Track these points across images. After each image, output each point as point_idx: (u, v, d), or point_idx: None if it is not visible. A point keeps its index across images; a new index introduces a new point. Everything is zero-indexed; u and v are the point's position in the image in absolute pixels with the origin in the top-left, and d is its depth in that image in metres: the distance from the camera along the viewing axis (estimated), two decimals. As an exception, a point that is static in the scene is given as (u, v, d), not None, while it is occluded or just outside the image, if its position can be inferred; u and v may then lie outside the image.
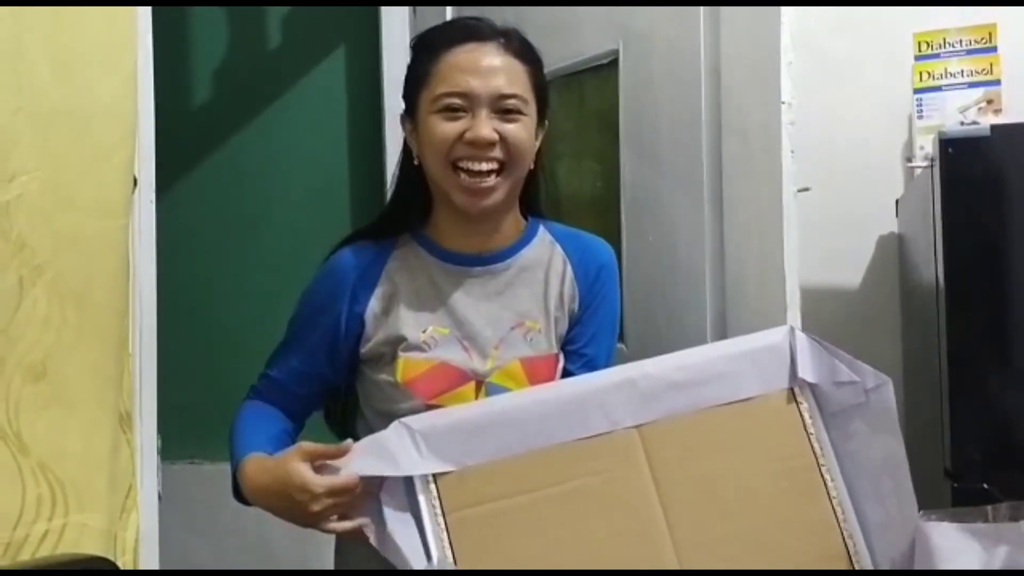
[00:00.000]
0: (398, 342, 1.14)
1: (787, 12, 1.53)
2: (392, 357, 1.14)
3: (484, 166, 1.09)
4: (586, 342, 1.21)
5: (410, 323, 1.14)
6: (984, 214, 1.48)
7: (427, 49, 1.14)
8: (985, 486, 1.47)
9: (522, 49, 1.14)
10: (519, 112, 1.11)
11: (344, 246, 1.21)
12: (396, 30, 2.30)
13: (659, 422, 1.04)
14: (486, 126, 1.08)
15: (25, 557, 1.04)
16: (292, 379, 1.21)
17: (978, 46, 1.71)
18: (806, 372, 1.05)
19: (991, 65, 1.71)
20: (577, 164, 1.99)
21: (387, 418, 1.08)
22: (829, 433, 1.04)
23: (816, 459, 1.03)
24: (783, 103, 1.48)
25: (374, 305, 1.16)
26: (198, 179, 2.43)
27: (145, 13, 1.25)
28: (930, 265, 1.59)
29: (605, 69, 1.83)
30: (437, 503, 1.00)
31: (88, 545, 1.11)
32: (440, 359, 1.14)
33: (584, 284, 1.21)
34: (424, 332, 1.14)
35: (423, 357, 1.14)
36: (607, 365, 1.17)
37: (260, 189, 2.42)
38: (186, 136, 2.39)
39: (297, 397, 1.22)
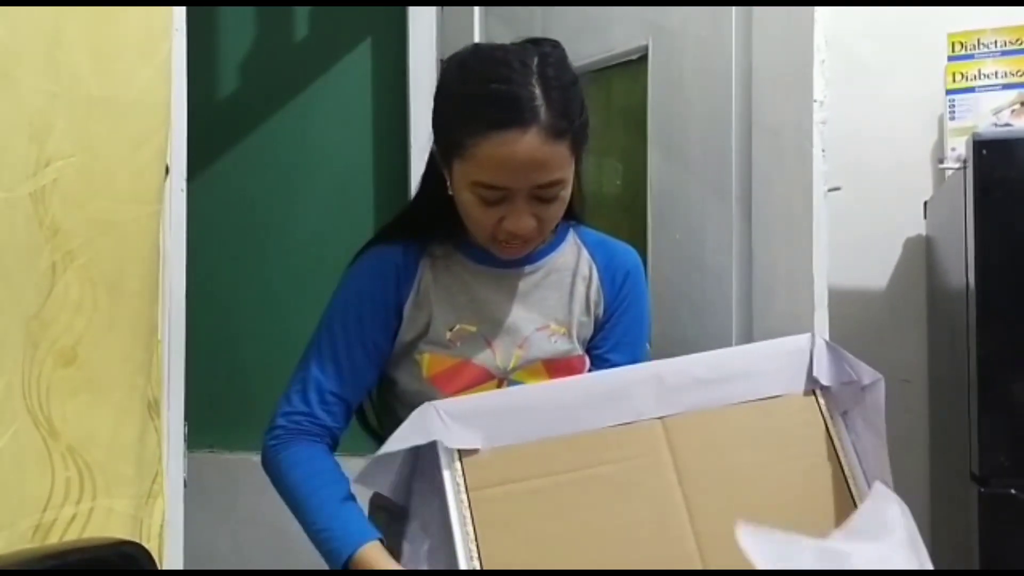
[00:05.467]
0: (424, 340, 1.15)
1: (820, 10, 1.52)
2: (419, 352, 1.15)
3: (518, 243, 1.10)
4: (610, 348, 1.22)
5: (440, 319, 1.15)
6: (1018, 217, 1.47)
7: (462, 117, 1.04)
8: (1012, 491, 1.45)
9: (565, 117, 1.04)
10: (558, 190, 1.07)
11: (374, 244, 1.20)
12: (423, 24, 2.30)
13: (683, 415, 1.05)
14: (524, 218, 1.06)
15: (53, 540, 1.05)
16: (344, 386, 1.15)
17: (1013, 47, 1.69)
18: (822, 375, 1.07)
19: (1026, 67, 1.69)
20: (603, 161, 1.99)
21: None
22: (849, 434, 1.06)
23: (838, 458, 1.05)
24: (815, 101, 1.47)
25: (411, 300, 1.15)
26: (225, 170, 2.44)
27: (180, 10, 1.26)
28: (960, 268, 1.58)
29: (634, 65, 1.82)
30: (461, 480, 1.00)
31: (114, 529, 1.12)
32: (464, 357, 1.14)
33: (610, 290, 1.21)
34: (452, 330, 1.15)
35: (448, 354, 1.14)
36: None
37: (286, 181, 2.43)
38: (214, 127, 2.40)
39: (345, 410, 1.17)
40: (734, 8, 1.60)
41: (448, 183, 1.11)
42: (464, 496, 1.00)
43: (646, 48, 1.77)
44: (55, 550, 0.97)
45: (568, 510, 1.00)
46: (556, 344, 1.17)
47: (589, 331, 1.21)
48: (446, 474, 1.01)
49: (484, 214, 1.07)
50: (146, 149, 1.17)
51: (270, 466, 1.15)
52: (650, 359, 1.23)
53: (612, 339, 1.22)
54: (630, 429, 1.04)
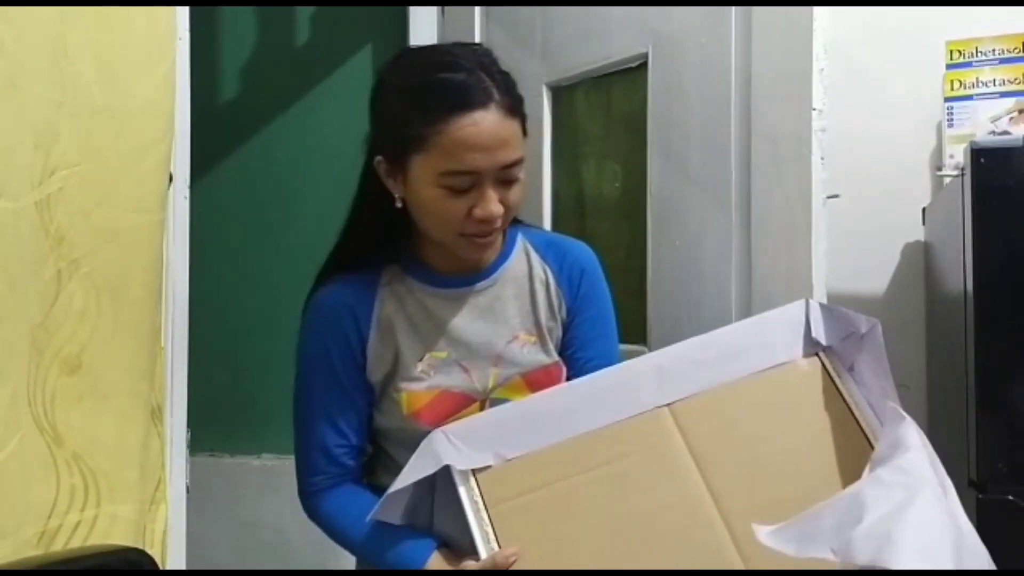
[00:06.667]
0: (398, 375, 1.13)
1: (819, 18, 1.53)
2: (395, 390, 1.13)
3: (488, 233, 1.08)
4: (579, 346, 1.21)
5: (408, 352, 1.13)
6: (1015, 225, 1.47)
7: (419, 109, 1.04)
8: (1010, 497, 1.46)
9: (512, 96, 1.06)
10: (518, 170, 1.07)
11: (322, 285, 1.18)
12: (424, 28, 2.31)
13: (689, 399, 1.04)
14: (494, 202, 1.05)
15: (58, 547, 1.06)
16: (343, 433, 1.15)
17: (1011, 55, 1.70)
18: (820, 335, 1.06)
19: (1023, 75, 1.70)
20: (604, 167, 2.00)
21: (403, 447, 1.10)
22: (860, 388, 1.05)
23: (853, 415, 1.03)
24: (814, 110, 1.48)
25: (373, 337, 1.14)
26: (226, 175, 2.45)
27: (183, 13, 1.27)
28: (958, 275, 1.58)
29: (634, 72, 1.83)
30: (479, 497, 1.01)
31: (118, 536, 1.13)
32: (441, 387, 1.13)
33: (569, 291, 1.20)
34: (422, 360, 1.13)
35: (424, 387, 1.12)
36: (608, 366, 1.16)
37: (287, 185, 2.43)
38: (214, 132, 2.41)
39: (357, 449, 1.17)
40: (733, 16, 1.61)
41: (399, 192, 1.09)
42: (484, 513, 1.00)
43: (646, 55, 1.78)
44: (60, 557, 0.98)
45: (589, 510, 1.00)
46: (529, 355, 1.16)
47: (559, 334, 1.20)
48: (462, 491, 1.01)
49: (453, 206, 1.05)
50: (150, 158, 1.17)
51: (318, 524, 1.18)
52: (621, 352, 1.23)
53: (579, 337, 1.20)
54: (638, 421, 1.04)
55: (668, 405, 1.04)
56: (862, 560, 0.81)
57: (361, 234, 1.19)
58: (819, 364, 1.06)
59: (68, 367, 1.08)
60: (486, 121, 1.02)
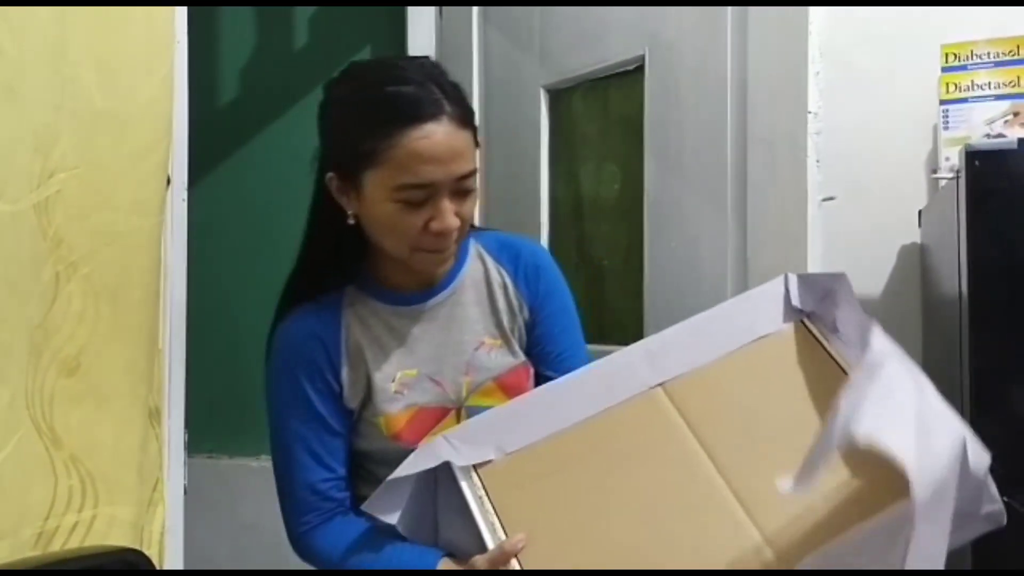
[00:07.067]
0: (373, 400, 1.12)
1: (815, 20, 1.54)
2: (373, 415, 1.12)
3: (445, 247, 1.07)
4: (548, 341, 1.21)
5: (379, 375, 1.12)
6: (1010, 227, 1.47)
7: (370, 123, 1.03)
8: (1005, 499, 1.46)
9: (463, 108, 1.05)
10: (473, 181, 1.06)
11: (283, 319, 1.15)
12: (422, 30, 2.32)
13: (681, 377, 1.05)
14: (450, 215, 1.04)
15: (56, 548, 1.06)
16: (329, 467, 1.12)
17: (1006, 58, 1.70)
18: (798, 302, 1.07)
19: (1019, 77, 1.70)
20: (601, 169, 2.00)
21: (385, 465, 1.07)
22: (849, 349, 1.04)
23: (844, 372, 1.02)
24: (809, 113, 1.49)
25: (345, 364, 1.12)
26: (224, 177, 2.45)
27: (182, 16, 1.28)
28: (953, 277, 1.59)
29: (631, 75, 1.84)
30: (482, 491, 1.01)
31: (116, 537, 1.14)
32: (416, 406, 1.12)
33: (527, 290, 1.19)
34: (393, 381, 1.12)
35: (401, 408, 1.12)
36: (578, 356, 1.18)
37: (285, 188, 2.42)
38: (213, 134, 2.41)
39: (344, 481, 1.14)
40: (729, 19, 1.62)
41: (352, 208, 1.08)
42: (488, 505, 1.00)
43: (643, 58, 1.79)
44: (58, 557, 0.98)
45: (594, 493, 1.00)
46: (498, 359, 1.16)
47: (523, 334, 1.20)
48: (464, 486, 1.01)
49: (409, 220, 1.04)
50: (149, 161, 1.18)
51: (315, 561, 1.14)
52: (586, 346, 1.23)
53: (546, 334, 1.20)
54: (634, 404, 1.04)
55: (661, 385, 1.05)
56: (840, 445, 0.81)
57: (317, 254, 1.17)
58: (803, 329, 1.06)
59: (66, 369, 1.09)
60: (438, 133, 1.01)
